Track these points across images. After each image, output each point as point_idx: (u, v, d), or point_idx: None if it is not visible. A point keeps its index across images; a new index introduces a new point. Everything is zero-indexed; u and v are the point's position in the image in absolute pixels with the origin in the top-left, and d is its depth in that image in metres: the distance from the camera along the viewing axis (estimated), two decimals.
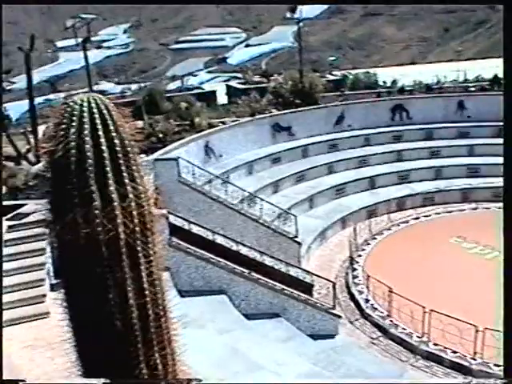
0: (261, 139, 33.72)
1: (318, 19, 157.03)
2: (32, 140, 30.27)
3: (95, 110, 5.11)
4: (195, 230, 21.53)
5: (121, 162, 5.13)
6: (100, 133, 5.04)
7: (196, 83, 71.17)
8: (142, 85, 50.51)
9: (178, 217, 21.17)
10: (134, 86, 55.13)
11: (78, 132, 5.02)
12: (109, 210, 5.05)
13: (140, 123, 27.18)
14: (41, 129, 35.93)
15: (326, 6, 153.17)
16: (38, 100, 34.99)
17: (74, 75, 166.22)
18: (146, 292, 5.56)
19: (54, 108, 5.33)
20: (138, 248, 5.34)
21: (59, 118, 5.14)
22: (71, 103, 5.14)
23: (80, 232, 5.07)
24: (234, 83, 49.28)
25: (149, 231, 5.42)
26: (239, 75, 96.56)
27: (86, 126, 5.02)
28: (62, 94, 63.61)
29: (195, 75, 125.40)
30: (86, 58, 29.80)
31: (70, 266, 5.46)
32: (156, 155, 25.13)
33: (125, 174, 5.15)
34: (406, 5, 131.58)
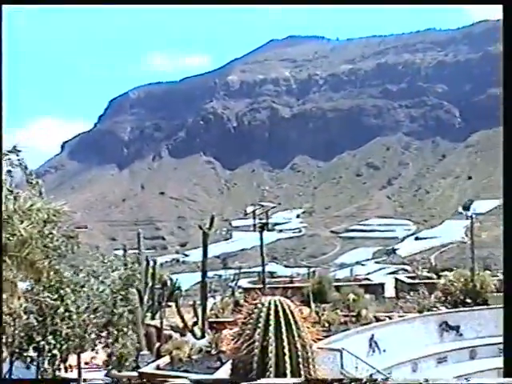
0: (427, 337, 32.69)
1: (491, 214, 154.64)
2: (200, 313, 31.24)
3: (280, 314, 5.44)
4: None
5: (300, 366, 5.35)
6: (284, 337, 5.33)
7: (363, 273, 71.52)
8: (312, 270, 51.57)
9: None
10: (302, 271, 56.35)
11: (263, 334, 5.35)
12: None
13: (307, 310, 27.42)
14: (209, 303, 37.17)
15: (499, 202, 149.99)
16: (208, 274, 36.70)
17: (244, 254, 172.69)
18: None
19: (244, 306, 5.72)
20: None
21: (246, 317, 5.52)
22: (259, 305, 5.52)
23: None
24: (402, 276, 49.08)
25: None
26: (407, 267, 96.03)
27: (271, 329, 5.34)
28: (232, 271, 66.05)
29: (363, 265, 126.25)
30: (261, 242, 31.20)
31: None
32: (319, 344, 24.99)
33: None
34: None
